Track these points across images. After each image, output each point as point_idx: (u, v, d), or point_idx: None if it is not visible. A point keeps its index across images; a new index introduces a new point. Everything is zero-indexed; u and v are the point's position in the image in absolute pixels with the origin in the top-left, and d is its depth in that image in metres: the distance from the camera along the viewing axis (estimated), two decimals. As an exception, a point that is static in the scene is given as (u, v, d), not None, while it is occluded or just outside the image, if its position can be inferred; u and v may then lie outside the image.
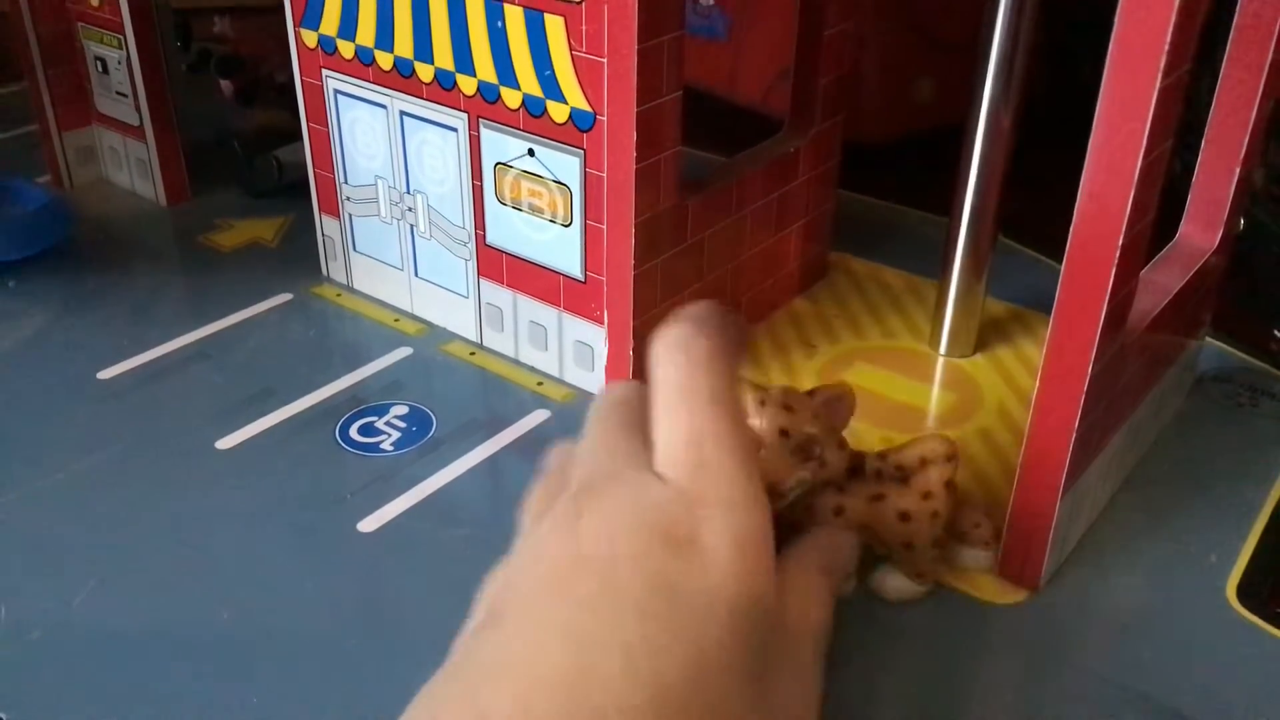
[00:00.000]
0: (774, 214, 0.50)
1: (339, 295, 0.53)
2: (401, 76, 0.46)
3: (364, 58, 0.47)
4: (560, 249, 0.45)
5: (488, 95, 0.44)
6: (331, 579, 0.37)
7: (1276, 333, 0.51)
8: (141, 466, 0.42)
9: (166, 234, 0.59)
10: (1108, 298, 0.32)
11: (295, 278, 0.54)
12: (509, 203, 0.46)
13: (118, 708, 0.32)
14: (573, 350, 0.47)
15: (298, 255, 0.56)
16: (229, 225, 0.59)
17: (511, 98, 0.43)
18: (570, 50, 0.40)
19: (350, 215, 0.52)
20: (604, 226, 0.43)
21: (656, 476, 0.28)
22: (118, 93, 0.59)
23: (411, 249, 0.50)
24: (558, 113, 0.42)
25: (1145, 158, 0.30)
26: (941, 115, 0.69)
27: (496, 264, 0.47)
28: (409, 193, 0.49)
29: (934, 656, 0.35)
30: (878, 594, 0.37)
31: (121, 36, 0.57)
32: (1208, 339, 0.49)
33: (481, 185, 0.46)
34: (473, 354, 0.49)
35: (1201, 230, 0.43)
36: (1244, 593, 0.37)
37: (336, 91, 0.49)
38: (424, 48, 0.45)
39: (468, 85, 0.44)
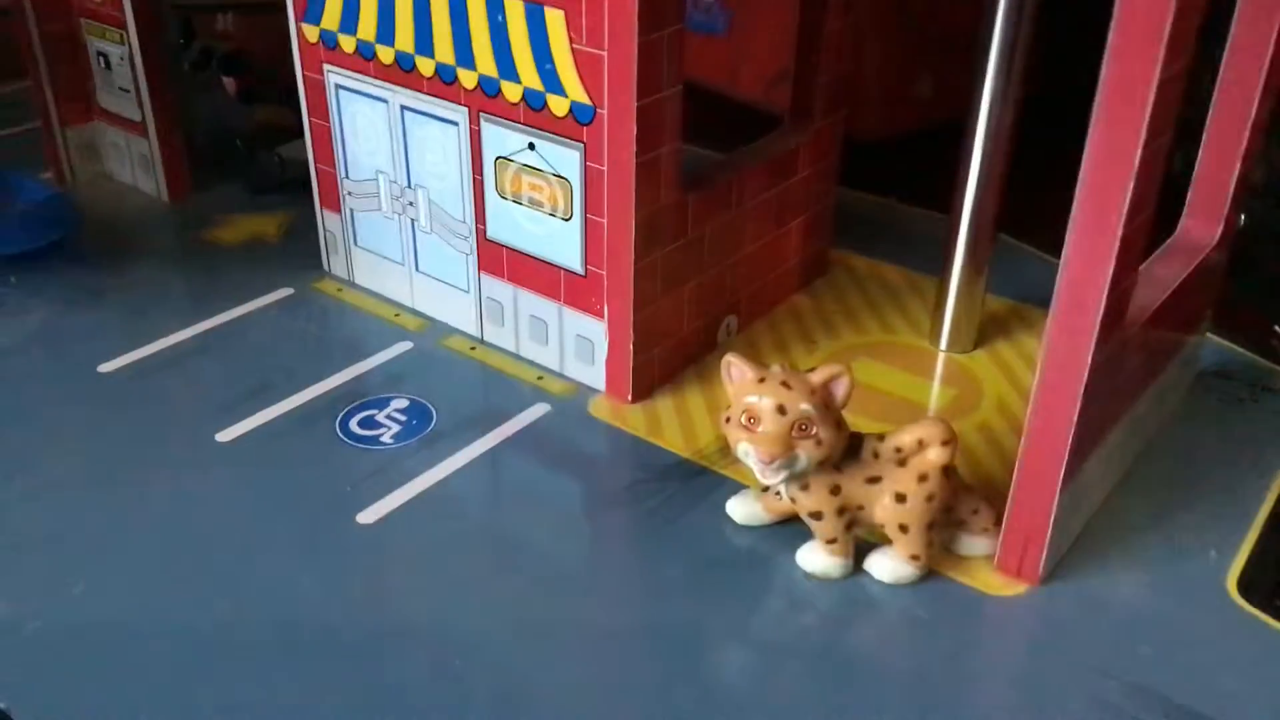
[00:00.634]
0: (774, 210, 0.50)
1: (340, 290, 0.54)
2: (402, 71, 0.46)
3: (365, 52, 0.47)
4: (560, 243, 0.45)
5: (488, 89, 0.44)
6: (331, 571, 0.37)
7: (1277, 328, 0.51)
8: (142, 458, 0.42)
9: (168, 229, 0.59)
10: (1106, 290, 0.32)
11: (296, 272, 0.54)
12: (509, 197, 0.46)
13: (118, 697, 0.33)
14: (573, 344, 0.47)
15: (299, 250, 0.56)
16: (231, 221, 0.59)
17: (512, 91, 0.43)
18: (570, 44, 0.41)
19: (351, 210, 0.52)
20: (604, 220, 0.43)
21: None
22: (120, 88, 0.60)
23: (412, 243, 0.50)
24: (558, 106, 0.42)
25: (1144, 150, 0.30)
26: (939, 112, 0.70)
27: (497, 258, 0.47)
28: (410, 187, 0.49)
29: (932, 646, 0.35)
30: (872, 576, 0.37)
31: (124, 32, 0.57)
32: (1209, 335, 0.49)
33: (482, 179, 0.46)
34: (473, 349, 0.49)
35: (1202, 225, 0.43)
36: (1245, 587, 0.37)
37: (338, 86, 0.49)
38: (425, 42, 0.45)
39: (468, 79, 0.44)
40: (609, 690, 0.34)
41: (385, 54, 0.46)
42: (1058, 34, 0.49)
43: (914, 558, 0.37)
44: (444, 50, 0.44)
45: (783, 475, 0.35)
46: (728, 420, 0.36)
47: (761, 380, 0.35)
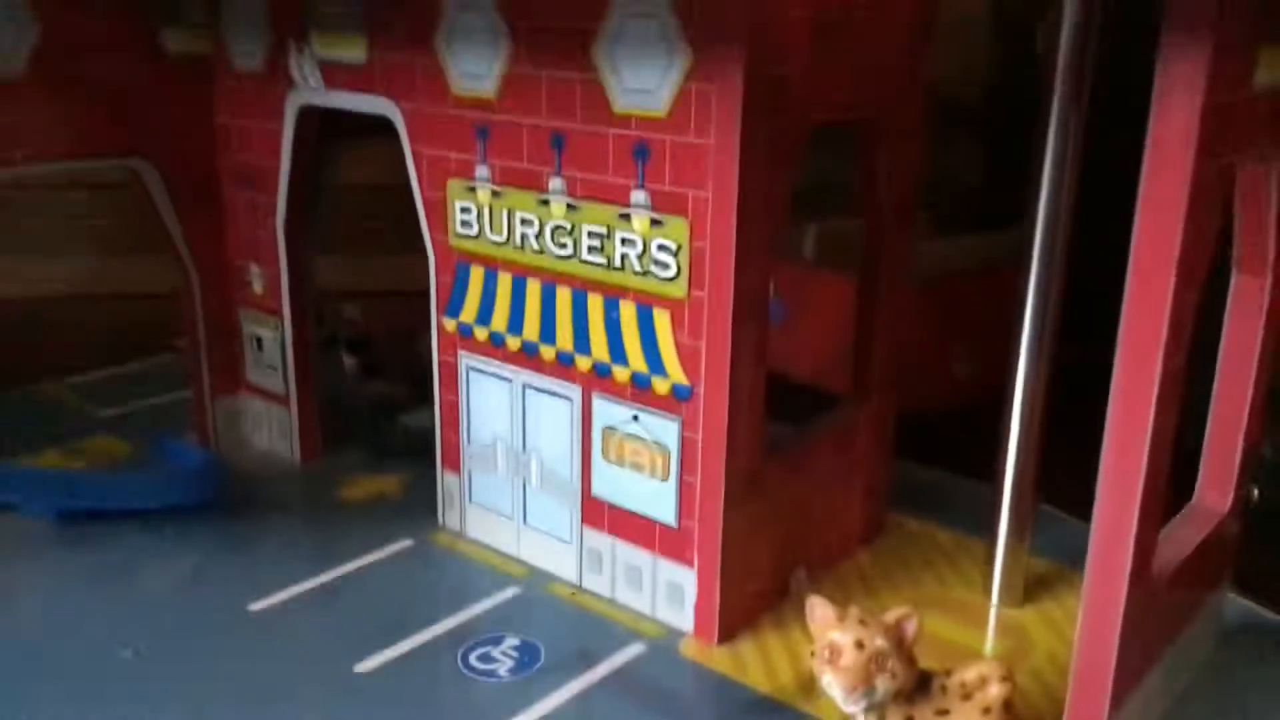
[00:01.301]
0: (839, 476, 0.58)
1: (453, 541, 0.61)
2: (527, 356, 0.55)
3: (496, 341, 0.56)
4: (657, 500, 0.52)
5: (600, 372, 0.53)
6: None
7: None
8: (293, 687, 0.48)
9: (302, 488, 0.67)
10: (1132, 548, 0.39)
11: (415, 526, 0.62)
12: (613, 460, 0.53)
13: None
14: (665, 590, 0.53)
15: (416, 507, 0.63)
16: (356, 481, 0.68)
17: (621, 374, 0.52)
18: (674, 336, 0.49)
19: (470, 471, 0.60)
20: (697, 481, 0.50)
21: None
22: (268, 366, 0.69)
23: (522, 500, 0.58)
24: (660, 386, 0.50)
25: (1154, 430, 0.37)
26: (975, 390, 0.78)
27: (599, 513, 0.55)
28: (524, 451, 0.57)
29: None
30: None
31: (279, 319, 0.68)
32: (1236, 596, 0.54)
33: (589, 446, 0.54)
34: (573, 593, 0.56)
35: (1215, 495, 0.50)
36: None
37: (469, 368, 0.58)
38: (549, 333, 0.54)
39: (584, 363, 0.53)
40: None
41: (513, 342, 0.56)
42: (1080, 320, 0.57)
43: (980, 787, 0.41)
44: (565, 340, 0.53)
45: (862, 704, 0.41)
46: (813, 655, 0.42)
47: (841, 619, 0.41)
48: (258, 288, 0.69)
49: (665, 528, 0.52)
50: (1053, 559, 0.59)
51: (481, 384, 0.58)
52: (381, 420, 0.70)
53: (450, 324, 0.58)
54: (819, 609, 0.42)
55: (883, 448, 0.61)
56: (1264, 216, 0.45)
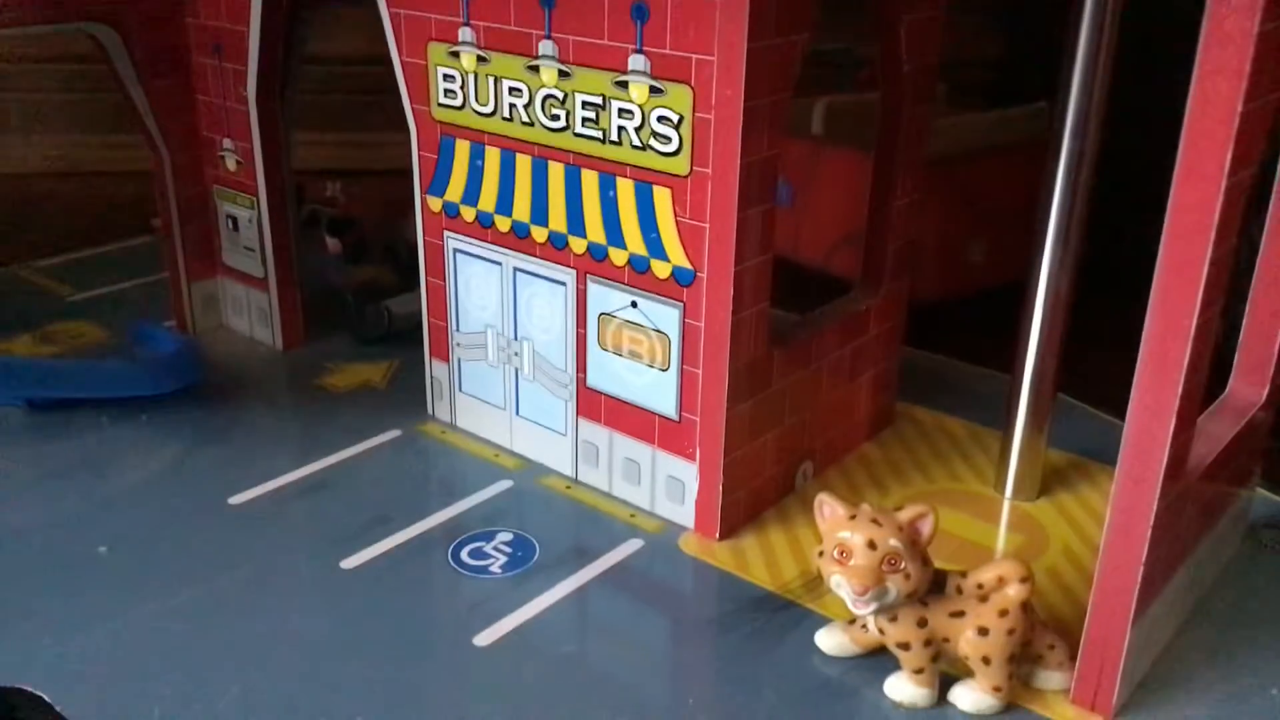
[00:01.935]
0: (847, 366, 0.55)
1: (443, 432, 0.58)
2: (517, 238, 0.52)
3: (484, 221, 0.53)
4: (656, 391, 0.49)
5: (596, 254, 0.49)
6: (454, 692, 0.41)
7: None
8: (274, 583, 0.46)
9: (285, 376, 0.65)
10: (1169, 443, 0.36)
11: (403, 416, 0.59)
12: (610, 349, 0.50)
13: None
14: (664, 485, 0.51)
15: (404, 396, 0.61)
16: (341, 368, 0.65)
17: (618, 256, 0.48)
18: (675, 217, 0.46)
19: (459, 360, 0.57)
20: (699, 371, 0.47)
21: None
22: (245, 248, 0.66)
23: (514, 390, 0.55)
24: (660, 270, 0.47)
25: (1200, 318, 0.34)
26: (991, 278, 0.75)
27: (595, 404, 0.52)
28: (516, 339, 0.54)
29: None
30: (956, 707, 0.40)
31: (255, 198, 0.64)
32: (1260, 489, 0.52)
33: (585, 333, 0.51)
34: (568, 487, 0.53)
35: (1249, 385, 0.47)
36: (1307, 724, 0.40)
37: (455, 250, 0.55)
38: (540, 213, 0.50)
39: (578, 245, 0.50)
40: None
41: (503, 223, 0.52)
42: (1111, 206, 0.53)
43: (996, 689, 0.39)
44: (557, 220, 0.50)
45: (874, 606, 0.38)
46: (821, 554, 0.39)
47: (852, 517, 0.39)
48: (231, 164, 0.65)
49: (665, 420, 0.50)
50: (1068, 450, 0.57)
51: (469, 267, 0.54)
52: (367, 305, 0.67)
53: (435, 203, 0.55)
54: (828, 506, 0.40)
55: (893, 337, 0.58)
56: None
